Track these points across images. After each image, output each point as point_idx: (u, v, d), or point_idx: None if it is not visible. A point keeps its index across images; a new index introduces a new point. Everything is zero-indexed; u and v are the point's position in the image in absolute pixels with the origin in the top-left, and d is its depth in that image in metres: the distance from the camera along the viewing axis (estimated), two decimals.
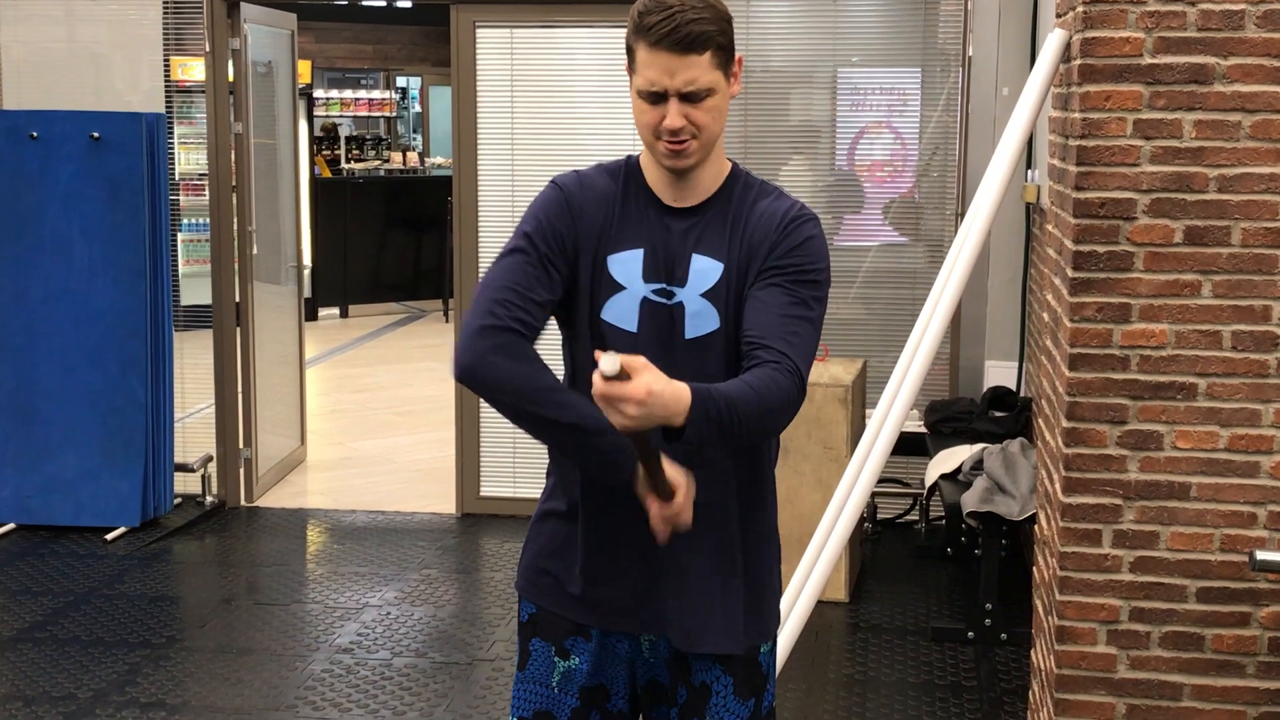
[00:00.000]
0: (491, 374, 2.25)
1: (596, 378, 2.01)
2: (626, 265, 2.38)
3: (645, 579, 2.42)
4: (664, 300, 2.36)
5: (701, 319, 2.35)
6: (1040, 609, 3.96)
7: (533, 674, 2.53)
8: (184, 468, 6.82)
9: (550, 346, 2.37)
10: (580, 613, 2.47)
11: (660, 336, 2.36)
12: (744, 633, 2.46)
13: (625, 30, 2.33)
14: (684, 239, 2.38)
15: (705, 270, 2.36)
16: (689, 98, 2.27)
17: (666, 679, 2.49)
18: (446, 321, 12.66)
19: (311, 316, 12.35)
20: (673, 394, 2.06)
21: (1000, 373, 6.53)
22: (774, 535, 2.54)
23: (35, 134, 6.41)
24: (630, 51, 2.32)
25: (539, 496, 2.59)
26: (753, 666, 2.49)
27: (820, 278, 2.36)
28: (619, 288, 2.37)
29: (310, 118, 14.31)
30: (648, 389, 2.02)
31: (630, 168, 2.44)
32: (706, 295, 2.35)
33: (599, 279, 2.38)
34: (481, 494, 6.89)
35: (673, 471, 2.25)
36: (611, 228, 2.39)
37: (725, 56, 2.30)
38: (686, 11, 2.24)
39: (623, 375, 2.02)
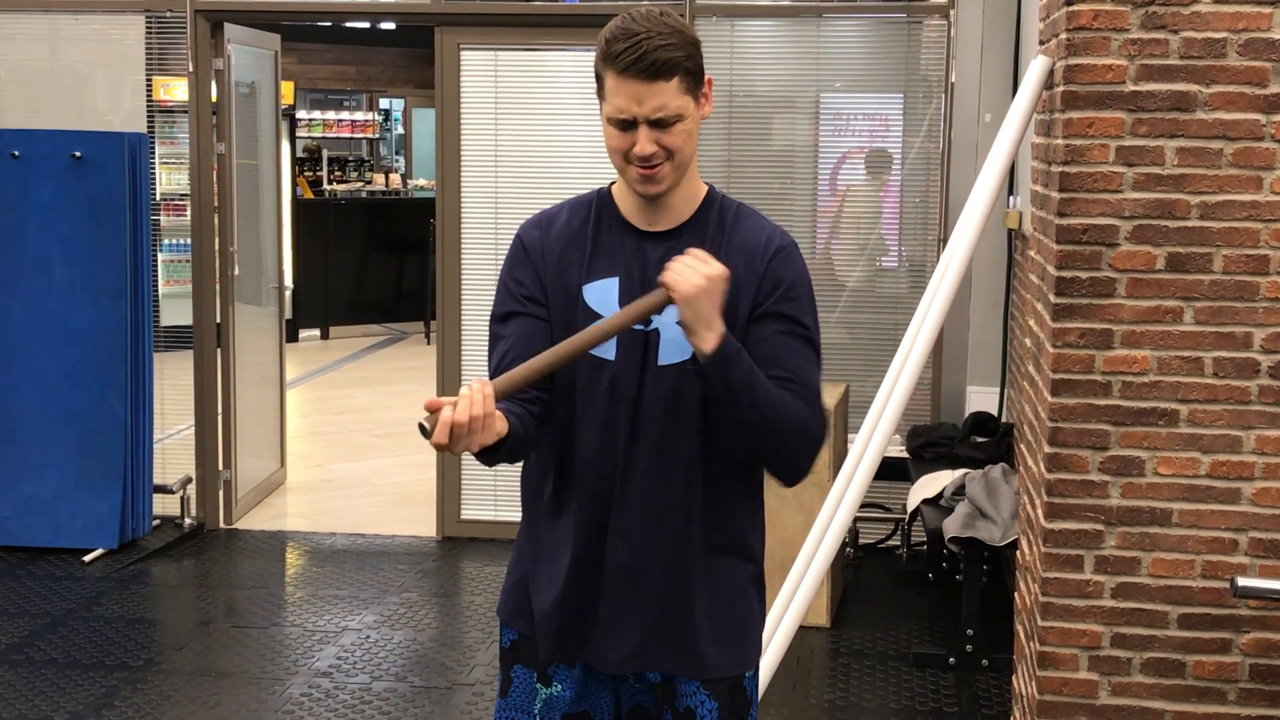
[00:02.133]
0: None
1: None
2: (602, 294, 2.38)
3: (609, 610, 2.41)
4: (640, 327, 2.35)
5: (677, 345, 2.34)
6: (1022, 634, 3.96)
7: (515, 701, 2.51)
8: (163, 489, 6.78)
9: None
10: (551, 645, 2.46)
11: (634, 363, 2.35)
12: (716, 658, 2.44)
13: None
14: (660, 265, 2.36)
15: None
16: (658, 124, 2.28)
17: (651, 704, 2.48)
18: (428, 344, 12.64)
19: (292, 338, 12.32)
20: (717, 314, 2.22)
21: (982, 398, 6.53)
22: (753, 560, 2.51)
23: (16, 153, 6.39)
24: (599, 78, 2.33)
25: (520, 521, 2.58)
26: (738, 692, 2.48)
27: (812, 312, 2.41)
28: (596, 316, 2.36)
29: (293, 139, 14.30)
30: (721, 275, 2.20)
31: (602, 199, 2.45)
32: None
33: (574, 310, 2.38)
34: (462, 517, 6.86)
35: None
36: (584, 260, 2.40)
37: (694, 81, 2.30)
38: (654, 38, 2.24)
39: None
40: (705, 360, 2.23)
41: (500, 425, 2.17)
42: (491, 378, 2.28)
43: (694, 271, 2.19)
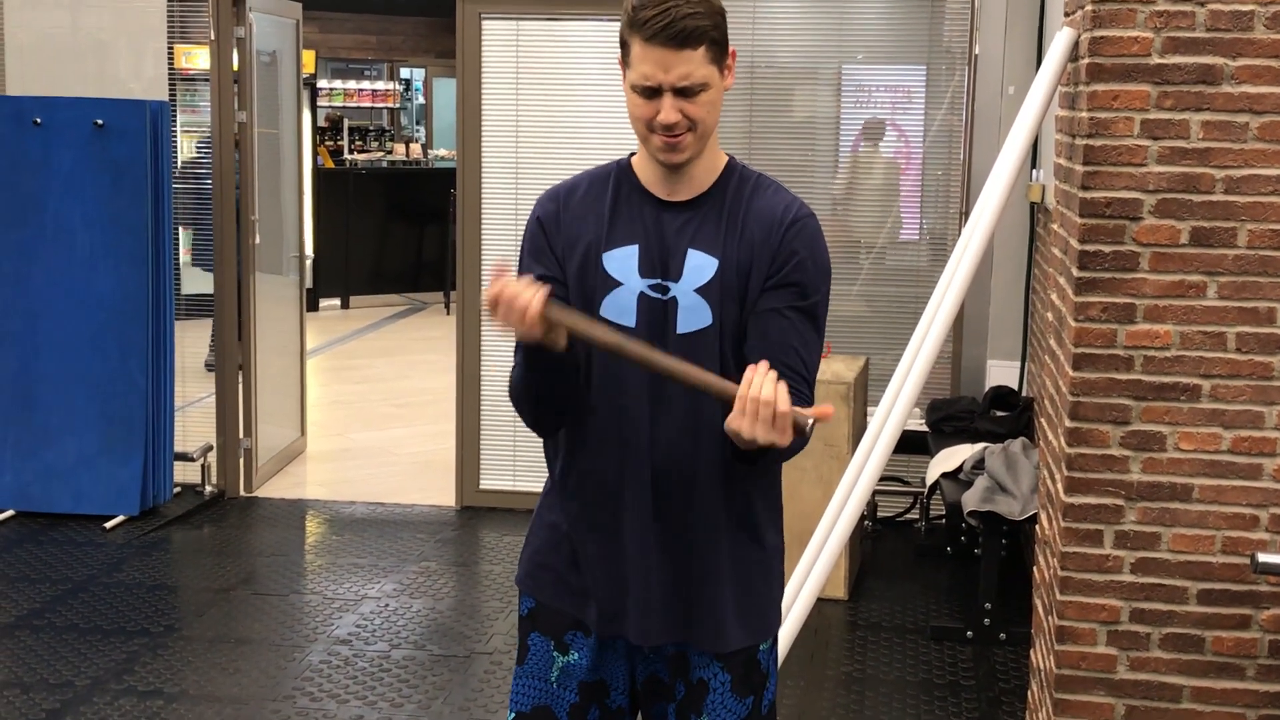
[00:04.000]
0: (515, 398, 2.43)
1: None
2: (622, 262, 2.38)
3: (633, 585, 2.42)
4: (659, 295, 2.36)
5: (694, 314, 2.35)
6: (1040, 609, 3.95)
7: (531, 669, 2.52)
8: (183, 457, 6.81)
9: None
10: (579, 607, 2.47)
11: (653, 331, 2.35)
12: (738, 631, 2.45)
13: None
14: (679, 234, 2.37)
15: (700, 266, 2.36)
16: (683, 93, 2.27)
17: (666, 675, 2.49)
18: (448, 314, 12.65)
19: (312, 307, 12.34)
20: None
21: (1002, 372, 6.52)
22: (775, 530, 2.52)
23: (39, 120, 6.40)
24: (624, 45, 2.32)
25: (540, 490, 2.58)
26: (751, 665, 2.48)
27: (823, 286, 2.40)
28: (615, 284, 2.37)
29: (314, 108, 14.29)
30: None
31: (621, 169, 2.45)
32: (700, 291, 2.35)
33: (594, 277, 2.38)
34: (481, 487, 6.88)
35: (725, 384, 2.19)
36: (602, 228, 2.40)
37: (719, 51, 2.30)
38: (681, 6, 2.23)
39: (808, 431, 2.14)
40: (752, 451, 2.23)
41: (557, 335, 2.23)
42: (517, 356, 2.36)
43: (763, 423, 2.12)
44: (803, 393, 2.32)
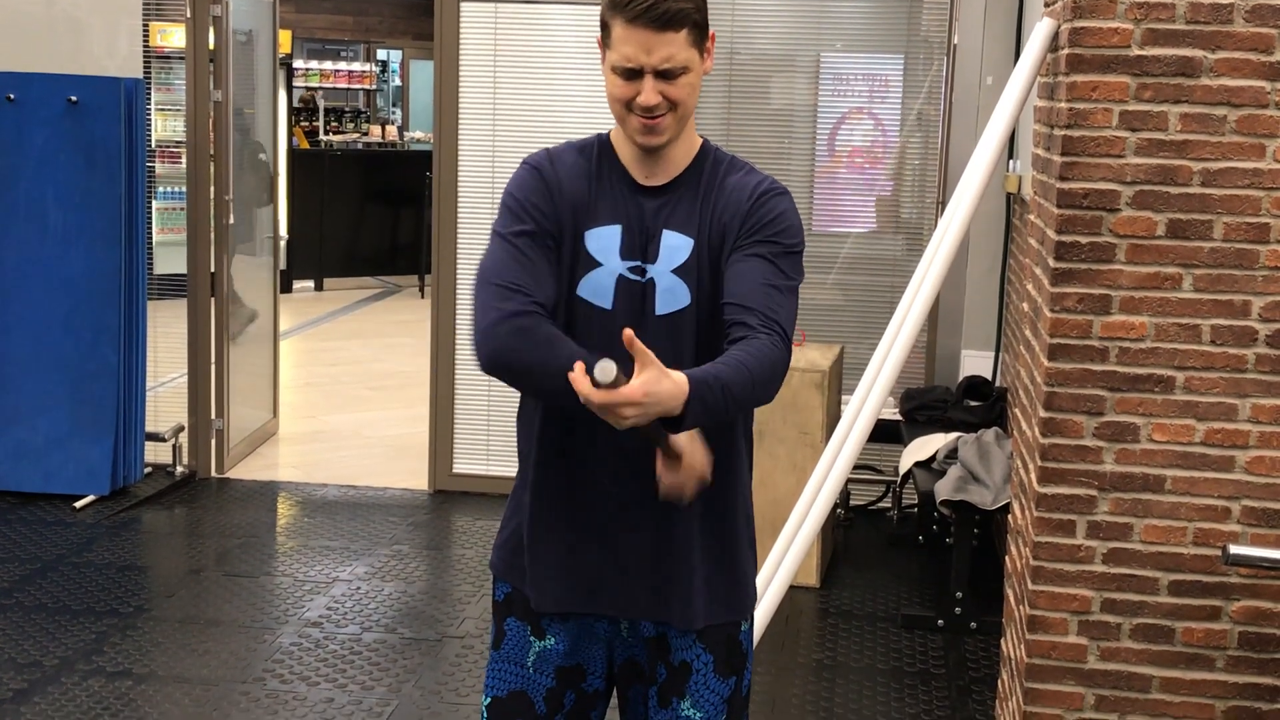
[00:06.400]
0: (516, 360, 2.23)
1: (587, 384, 1.99)
2: (603, 241, 2.37)
3: (604, 560, 2.42)
4: (637, 278, 2.36)
5: (673, 295, 2.35)
6: (1012, 598, 3.96)
7: (508, 653, 2.52)
8: (155, 437, 6.78)
9: None
10: (537, 596, 2.47)
11: (633, 313, 2.35)
12: (710, 608, 2.45)
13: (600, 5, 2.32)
14: (656, 216, 2.38)
15: (676, 246, 2.36)
16: (664, 75, 2.27)
17: (644, 658, 2.49)
18: (422, 297, 12.61)
19: (286, 289, 12.30)
20: (671, 388, 2.04)
21: (976, 362, 6.53)
22: (745, 511, 2.52)
23: (12, 96, 6.35)
24: (605, 26, 2.31)
25: (514, 473, 2.58)
26: (733, 645, 2.49)
27: (797, 249, 2.37)
28: (595, 264, 2.36)
29: (289, 88, 14.22)
30: (644, 391, 2.01)
31: (602, 144, 2.44)
32: (677, 271, 2.35)
33: (576, 255, 2.37)
34: (454, 470, 6.87)
35: (682, 439, 2.22)
36: (588, 204, 2.38)
37: (700, 33, 2.30)
38: None
39: (617, 382, 1.99)
40: (684, 417, 2.11)
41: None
42: (500, 295, 2.24)
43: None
44: (775, 334, 2.24)
